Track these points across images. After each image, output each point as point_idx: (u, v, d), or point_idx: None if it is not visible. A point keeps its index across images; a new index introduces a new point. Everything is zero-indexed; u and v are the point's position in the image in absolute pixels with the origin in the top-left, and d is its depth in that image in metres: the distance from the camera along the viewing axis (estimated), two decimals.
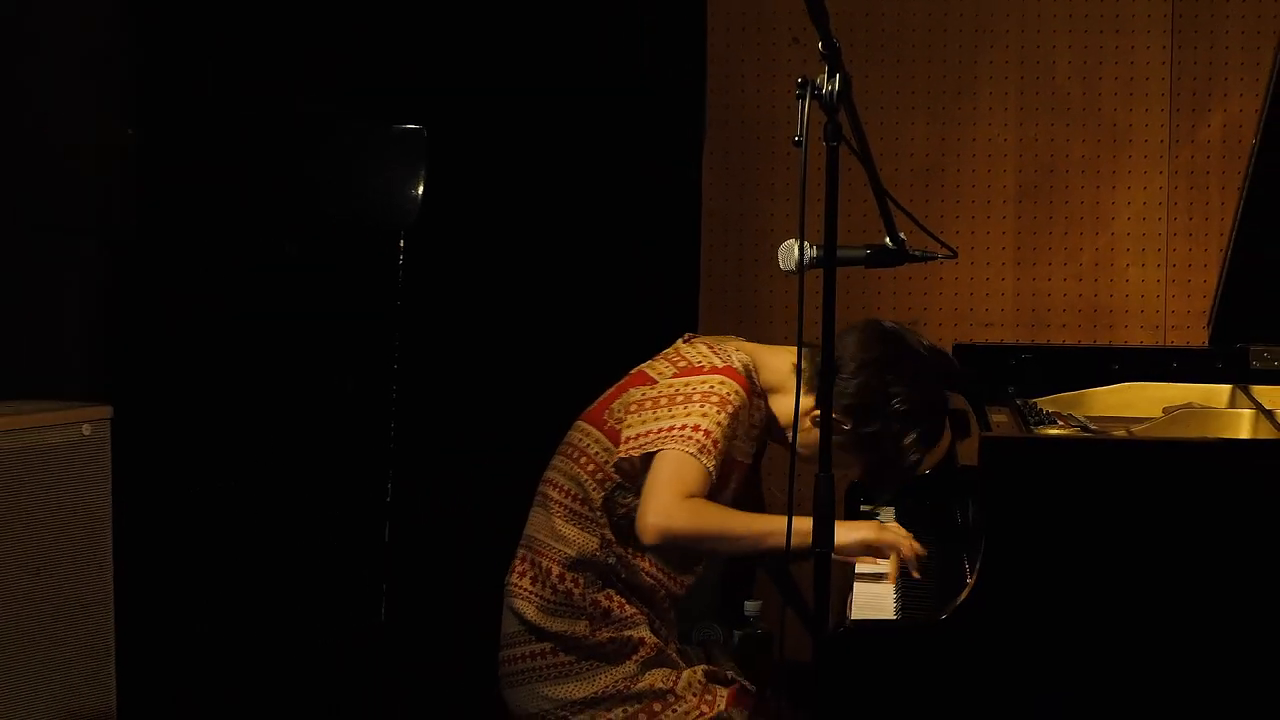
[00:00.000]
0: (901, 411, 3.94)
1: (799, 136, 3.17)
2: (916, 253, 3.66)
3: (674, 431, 3.92)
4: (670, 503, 3.89)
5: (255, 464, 5.12)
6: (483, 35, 5.08)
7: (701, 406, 3.94)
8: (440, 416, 4.96)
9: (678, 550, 4.05)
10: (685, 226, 5.17)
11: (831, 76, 3.19)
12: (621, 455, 3.97)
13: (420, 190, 4.85)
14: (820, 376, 3.19)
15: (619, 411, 4.04)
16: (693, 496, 3.88)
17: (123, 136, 5.03)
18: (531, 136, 5.08)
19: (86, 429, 4.18)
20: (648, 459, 3.93)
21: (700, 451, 3.88)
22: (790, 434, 4.01)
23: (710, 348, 4.10)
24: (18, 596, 4.02)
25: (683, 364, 4.07)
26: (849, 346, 3.96)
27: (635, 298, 5.16)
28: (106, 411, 4.24)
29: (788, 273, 3.43)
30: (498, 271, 5.06)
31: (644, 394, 4.03)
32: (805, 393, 3.78)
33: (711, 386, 3.98)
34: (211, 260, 5.13)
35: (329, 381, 5.11)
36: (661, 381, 4.04)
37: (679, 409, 3.95)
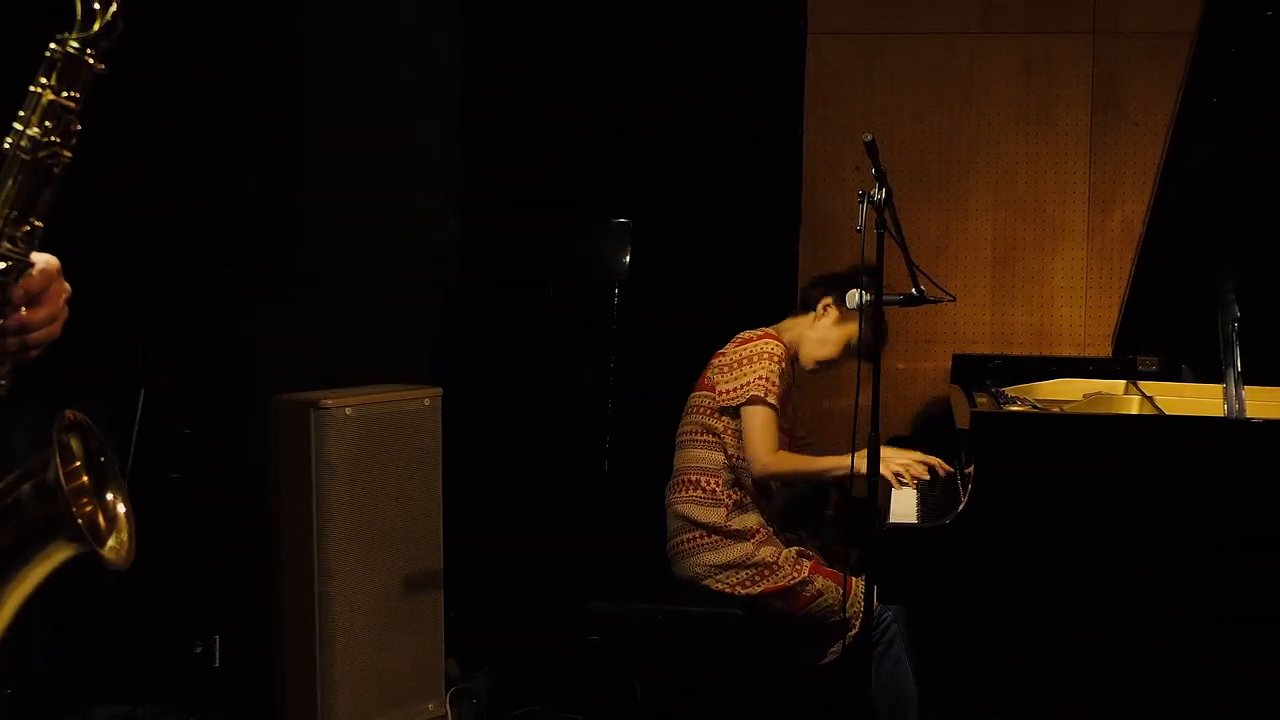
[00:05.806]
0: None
1: (859, 227, 3.20)
2: (931, 298, 3.66)
3: (751, 384, 4.00)
4: (766, 455, 3.97)
5: (527, 424, 5.16)
6: (668, 164, 5.10)
7: (760, 364, 4.01)
8: (640, 396, 4.98)
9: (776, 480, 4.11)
10: (788, 286, 5.13)
11: (880, 190, 3.21)
12: (722, 403, 4.05)
13: (628, 259, 4.89)
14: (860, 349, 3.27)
15: (710, 375, 4.12)
16: (778, 447, 3.98)
17: (448, 224, 5.12)
18: (696, 229, 5.10)
19: (427, 402, 4.26)
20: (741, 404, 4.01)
21: (767, 394, 3.96)
22: (802, 365, 4.20)
23: (752, 330, 4.18)
24: (385, 507, 4.11)
25: (738, 339, 4.16)
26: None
27: (753, 327, 5.10)
28: (439, 391, 4.30)
29: (852, 310, 3.45)
30: (674, 310, 5.07)
31: (721, 361, 4.12)
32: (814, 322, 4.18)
33: (761, 348, 4.08)
34: (504, 300, 5.20)
35: (571, 375, 5.16)
36: (729, 351, 4.13)
37: (748, 368, 4.04)
